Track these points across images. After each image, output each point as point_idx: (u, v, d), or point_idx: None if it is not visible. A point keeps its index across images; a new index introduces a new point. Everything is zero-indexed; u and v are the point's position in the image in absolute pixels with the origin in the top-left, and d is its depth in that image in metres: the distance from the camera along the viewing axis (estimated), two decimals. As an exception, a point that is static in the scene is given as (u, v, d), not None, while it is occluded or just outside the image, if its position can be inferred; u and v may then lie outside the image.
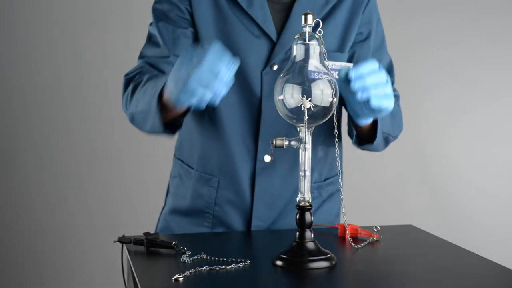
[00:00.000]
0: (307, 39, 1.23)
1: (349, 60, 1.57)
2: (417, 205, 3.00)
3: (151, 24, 1.58)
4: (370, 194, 2.96)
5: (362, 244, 1.39)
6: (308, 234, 1.24)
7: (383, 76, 1.26)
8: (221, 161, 1.55)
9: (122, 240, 1.38)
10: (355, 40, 1.58)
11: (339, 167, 1.42)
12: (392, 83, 1.61)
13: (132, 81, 1.50)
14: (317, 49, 1.23)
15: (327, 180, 1.62)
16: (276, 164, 1.53)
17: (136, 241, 1.36)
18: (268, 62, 1.51)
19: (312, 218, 1.24)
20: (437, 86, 2.99)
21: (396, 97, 1.63)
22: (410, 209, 2.99)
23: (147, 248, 1.33)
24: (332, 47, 1.54)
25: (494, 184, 3.02)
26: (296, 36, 1.25)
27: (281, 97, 1.22)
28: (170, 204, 1.66)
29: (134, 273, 1.22)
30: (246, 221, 1.57)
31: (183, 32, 1.52)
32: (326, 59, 1.25)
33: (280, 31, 1.52)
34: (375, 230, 1.43)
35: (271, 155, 1.49)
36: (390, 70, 1.64)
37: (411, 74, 2.97)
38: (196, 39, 1.53)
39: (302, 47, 1.23)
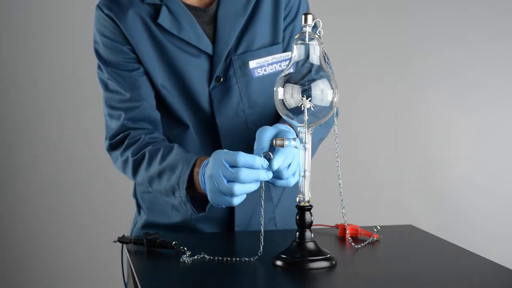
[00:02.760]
0: (307, 39, 1.23)
1: (287, 46, 1.56)
2: (417, 205, 3.00)
3: (99, 68, 1.56)
4: (370, 194, 2.96)
5: (362, 244, 1.39)
6: (308, 234, 1.24)
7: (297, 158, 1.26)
8: None
9: (122, 240, 1.38)
10: (286, 23, 1.57)
11: (338, 167, 1.42)
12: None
13: (120, 148, 1.52)
14: (317, 49, 1.23)
15: None
16: None
17: (136, 241, 1.36)
18: (211, 76, 1.52)
19: (312, 218, 1.24)
20: (438, 86, 2.98)
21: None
22: (410, 209, 2.99)
23: (147, 248, 1.33)
24: (266, 41, 1.54)
25: (494, 184, 3.01)
26: (296, 36, 1.25)
27: (281, 97, 1.22)
28: (144, 219, 1.65)
29: (134, 273, 1.22)
30: (224, 228, 1.58)
31: (137, 73, 1.52)
32: (327, 59, 1.25)
33: (214, 42, 1.52)
34: (375, 230, 1.43)
35: None
36: None
37: (411, 74, 2.97)
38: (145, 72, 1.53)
39: (302, 47, 1.23)
